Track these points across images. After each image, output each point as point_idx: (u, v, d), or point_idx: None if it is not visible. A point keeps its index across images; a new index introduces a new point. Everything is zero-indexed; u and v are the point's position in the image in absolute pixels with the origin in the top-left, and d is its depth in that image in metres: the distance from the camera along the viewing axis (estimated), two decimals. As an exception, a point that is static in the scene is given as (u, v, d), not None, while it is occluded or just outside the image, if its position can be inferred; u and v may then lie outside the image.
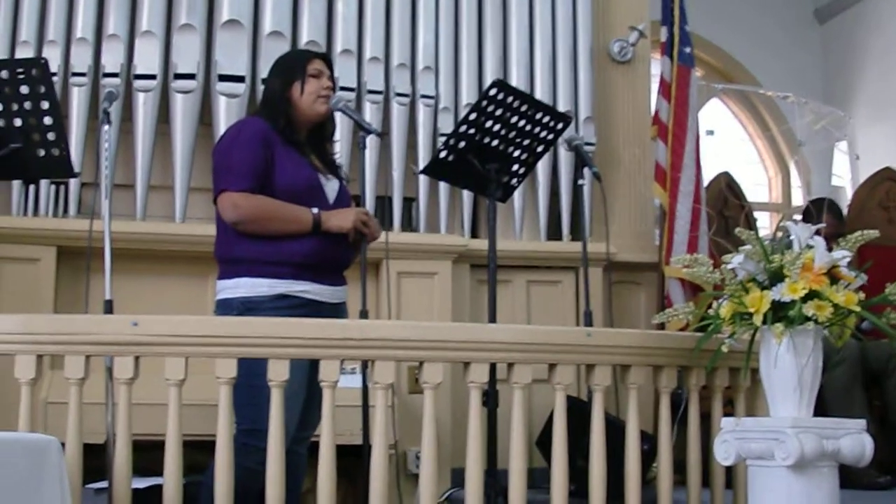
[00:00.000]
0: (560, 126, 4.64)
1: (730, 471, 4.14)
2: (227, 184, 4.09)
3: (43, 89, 3.86)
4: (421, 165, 5.76)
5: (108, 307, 3.91)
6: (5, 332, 3.44)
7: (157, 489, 3.54)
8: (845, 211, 7.10)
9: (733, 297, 3.62)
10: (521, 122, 4.50)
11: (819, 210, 6.16)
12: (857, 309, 3.50)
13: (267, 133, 4.17)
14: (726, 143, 9.90)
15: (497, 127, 4.44)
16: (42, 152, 3.96)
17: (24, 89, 3.85)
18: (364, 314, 4.20)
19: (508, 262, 5.90)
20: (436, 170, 4.69)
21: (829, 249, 3.56)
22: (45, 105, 3.89)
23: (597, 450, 3.83)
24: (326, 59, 4.46)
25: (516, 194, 5.71)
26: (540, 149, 4.66)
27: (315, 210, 4.12)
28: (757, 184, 9.95)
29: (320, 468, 3.51)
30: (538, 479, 4.48)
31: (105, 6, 5.57)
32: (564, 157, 6.22)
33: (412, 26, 6.14)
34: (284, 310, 3.99)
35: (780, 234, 3.71)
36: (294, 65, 4.36)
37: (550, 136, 4.64)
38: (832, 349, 4.57)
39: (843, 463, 3.59)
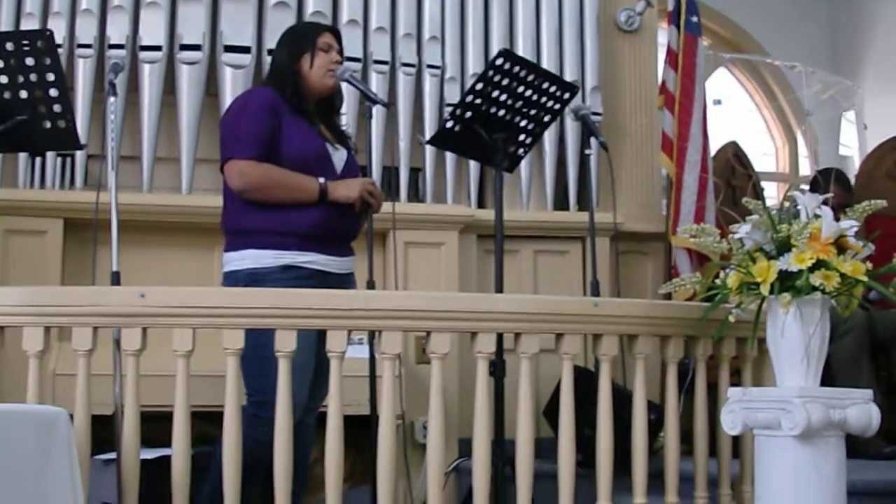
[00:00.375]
0: (567, 96, 4.63)
1: (736, 440, 4.15)
2: (233, 152, 4.09)
3: (48, 61, 3.85)
4: (427, 136, 5.76)
5: (116, 279, 3.92)
6: (13, 304, 3.46)
7: (166, 460, 3.56)
8: (853, 181, 7.07)
9: (740, 267, 3.62)
10: (528, 92, 4.49)
11: (827, 180, 6.14)
12: (865, 279, 3.50)
13: (275, 102, 4.17)
14: (733, 113, 9.86)
15: (504, 97, 4.43)
16: (48, 124, 3.96)
17: (30, 61, 3.84)
18: (371, 284, 4.20)
19: (515, 232, 5.88)
20: (442, 140, 4.68)
21: (837, 220, 3.56)
22: (51, 77, 3.88)
23: (604, 420, 3.84)
24: (336, 32, 4.46)
25: (523, 164, 5.69)
26: (547, 118, 4.65)
27: (321, 179, 4.12)
28: (764, 153, 9.92)
29: (328, 439, 3.53)
30: (545, 449, 4.48)
31: (110, -23, 5.56)
32: (571, 127, 6.21)
33: (418, -4, 6.12)
34: (291, 280, 4.00)
35: (787, 203, 3.70)
36: (304, 37, 4.35)
37: (557, 106, 4.63)
38: (839, 319, 4.57)
39: (849, 433, 3.60)
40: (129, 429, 3.44)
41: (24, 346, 3.41)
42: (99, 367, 3.54)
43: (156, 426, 3.81)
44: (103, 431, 3.67)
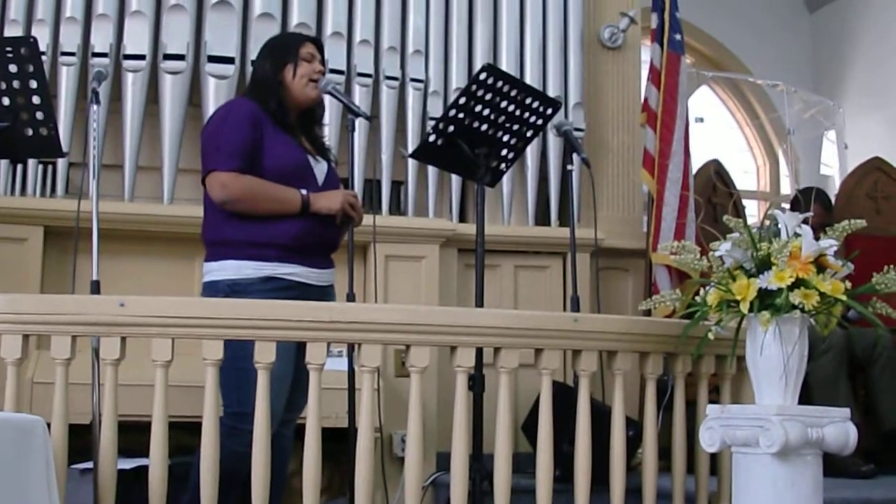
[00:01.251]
0: (549, 111, 4.64)
1: (714, 457, 4.16)
2: (215, 164, 4.08)
3: (31, 68, 3.85)
4: (410, 149, 5.76)
5: (95, 287, 3.90)
6: (-8, 311, 3.44)
7: (143, 470, 3.55)
8: (833, 201, 7.11)
9: (720, 285, 3.63)
10: (511, 107, 4.50)
11: (807, 199, 6.16)
12: (844, 298, 3.51)
13: (257, 114, 4.17)
14: (715, 131, 9.90)
15: (486, 111, 4.44)
16: (30, 131, 3.95)
17: (13, 68, 3.84)
18: (351, 297, 4.20)
19: (496, 246, 5.90)
20: (425, 154, 4.69)
21: (817, 239, 3.57)
22: (34, 84, 3.87)
23: (582, 435, 3.84)
24: (318, 43, 4.46)
25: (505, 179, 5.70)
26: (529, 134, 4.66)
27: (304, 191, 4.12)
28: (745, 172, 9.96)
29: (306, 451, 3.52)
30: (523, 464, 4.49)
31: (95, -15, 5.55)
32: (553, 143, 6.22)
33: (402, 10, 6.12)
34: (271, 292, 3.99)
35: (767, 222, 3.71)
36: (287, 47, 4.35)
37: (540, 122, 4.64)
38: (818, 338, 4.59)
39: (827, 451, 3.60)
40: (107, 438, 3.43)
41: (3, 354, 3.40)
42: (77, 376, 3.53)
43: (133, 436, 3.80)
44: (80, 440, 3.66)
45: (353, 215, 4.22)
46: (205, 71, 5.59)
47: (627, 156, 6.58)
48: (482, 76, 4.41)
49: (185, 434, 4.00)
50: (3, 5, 5.42)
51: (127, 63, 5.50)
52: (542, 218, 6.28)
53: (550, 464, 3.78)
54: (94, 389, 3.59)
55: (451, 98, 5.60)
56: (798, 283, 3.47)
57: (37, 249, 5.26)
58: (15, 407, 3.37)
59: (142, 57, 5.51)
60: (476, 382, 4.10)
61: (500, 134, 4.54)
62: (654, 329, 4.09)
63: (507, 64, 6.18)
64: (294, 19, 5.79)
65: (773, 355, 3.53)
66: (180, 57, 5.56)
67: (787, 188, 9.75)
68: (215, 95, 5.52)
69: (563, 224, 6.16)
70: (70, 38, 5.44)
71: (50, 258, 5.29)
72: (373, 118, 5.71)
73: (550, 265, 6.26)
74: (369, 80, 5.94)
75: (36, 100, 3.90)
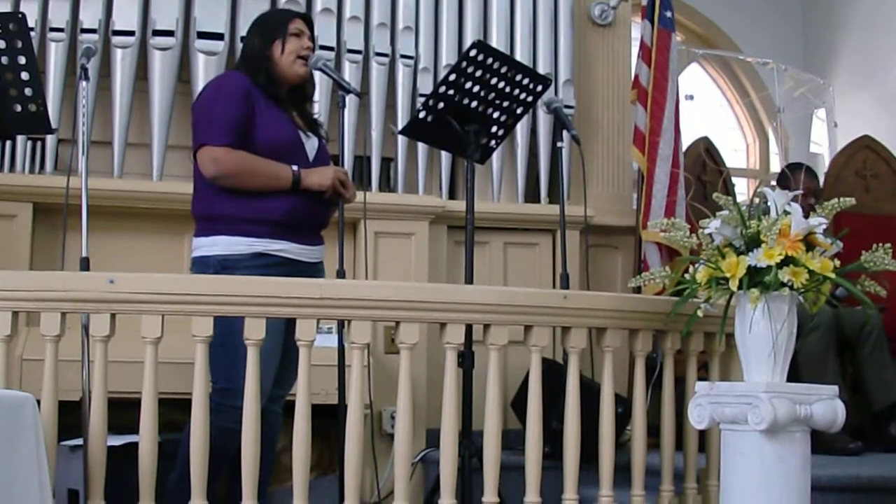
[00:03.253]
0: (539, 88, 4.64)
1: (703, 434, 4.17)
2: (207, 138, 4.07)
3: (20, 44, 3.84)
4: (400, 126, 5.75)
5: (85, 264, 3.90)
6: (-19, 288, 3.43)
7: (133, 447, 3.55)
8: (822, 179, 7.11)
9: (709, 262, 3.64)
10: (501, 84, 4.49)
11: (795, 173, 6.18)
12: (833, 276, 3.52)
13: (249, 88, 4.16)
14: (705, 109, 9.90)
15: (476, 88, 4.44)
16: (19, 108, 3.94)
17: (1, 44, 3.83)
18: (341, 274, 4.20)
19: (486, 223, 5.90)
20: (414, 130, 4.68)
21: (807, 206, 3.57)
22: (22, 60, 3.86)
23: (571, 412, 3.85)
24: (307, 19, 4.45)
25: (495, 156, 5.71)
26: (519, 111, 4.66)
27: (295, 167, 4.12)
28: (735, 150, 9.96)
29: (296, 427, 3.53)
30: (512, 441, 4.50)
31: (83, -39, 5.53)
32: (543, 120, 6.21)
33: (393, -14, 6.11)
34: (262, 268, 3.99)
35: (757, 199, 3.72)
36: (276, 23, 4.34)
37: (530, 99, 4.64)
38: (807, 315, 4.60)
39: (815, 428, 3.62)
40: (97, 415, 3.43)
41: (-8, 331, 3.40)
42: (67, 353, 3.53)
43: (123, 413, 3.80)
44: (70, 417, 3.67)
45: (343, 192, 4.22)
46: (194, 47, 5.57)
47: (617, 133, 6.58)
48: (472, 53, 4.40)
49: (174, 410, 4.01)
50: (-9, -19, 5.40)
51: (116, 39, 5.48)
52: (532, 195, 6.28)
53: (540, 440, 3.79)
54: (83, 366, 3.59)
55: (441, 75, 5.59)
56: (787, 261, 3.47)
57: (26, 226, 5.25)
58: (4, 384, 3.37)
59: (131, 33, 5.49)
60: (465, 359, 4.11)
61: (489, 111, 4.53)
62: (644, 306, 4.10)
63: (497, 41, 6.17)
64: (284, -5, 5.77)
65: (762, 333, 3.54)
66: (170, 33, 5.54)
67: (776, 166, 9.74)
68: (205, 72, 5.50)
69: (552, 201, 6.16)
70: (59, 14, 5.42)
71: (39, 235, 5.28)
72: (362, 95, 5.70)
73: (540, 242, 6.27)
74: (359, 57, 5.92)
75: (24, 76, 3.88)
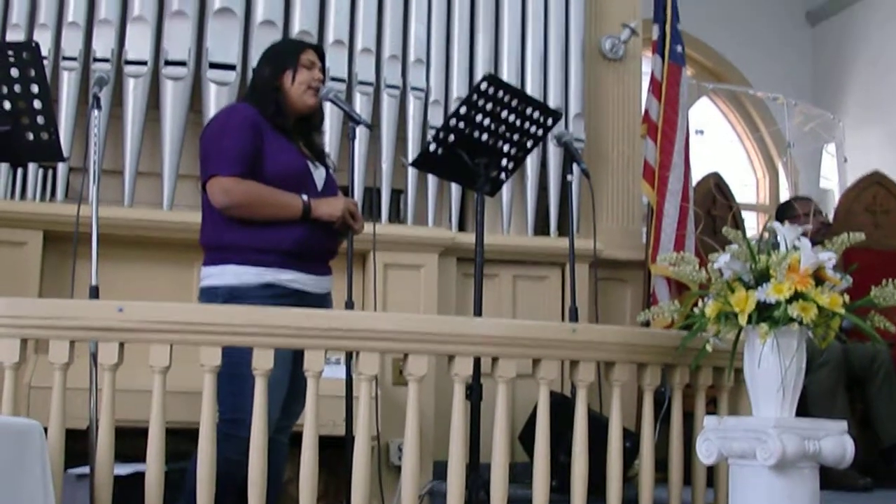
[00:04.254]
0: (550, 122, 4.65)
1: (711, 469, 4.15)
2: (217, 168, 4.07)
3: (33, 73, 3.85)
4: (410, 158, 5.76)
5: (94, 292, 3.90)
6: (-10, 315, 3.43)
7: (139, 476, 3.54)
8: (832, 214, 7.12)
9: (719, 297, 3.63)
10: (511, 117, 4.51)
11: (791, 208, 6.20)
12: (842, 311, 3.51)
13: (257, 119, 4.16)
14: (715, 143, 9.92)
15: (487, 121, 4.45)
16: (31, 136, 3.95)
17: (15, 72, 3.85)
18: (350, 305, 4.20)
19: (495, 256, 5.90)
20: (425, 162, 4.69)
21: (814, 243, 3.57)
22: (35, 89, 3.88)
23: (579, 446, 3.84)
24: (319, 50, 4.45)
25: (504, 189, 5.71)
26: (529, 144, 4.67)
27: (305, 197, 4.12)
28: (745, 184, 9.98)
29: (303, 458, 3.52)
30: (520, 474, 4.48)
31: (97, -9, 5.56)
32: (553, 153, 6.23)
33: (404, 18, 6.13)
34: (270, 298, 3.98)
35: (766, 234, 3.71)
36: (287, 53, 4.35)
37: (540, 132, 4.65)
38: (816, 351, 4.59)
39: (824, 464, 3.60)
40: (104, 443, 3.43)
41: (0, 358, 3.40)
42: (75, 381, 3.53)
43: (130, 441, 3.80)
44: (77, 445, 3.66)
45: (353, 224, 4.22)
46: (206, 77, 5.60)
47: (627, 167, 6.59)
48: (483, 86, 4.42)
49: (181, 440, 4.00)
50: (5, 10, 5.43)
51: (128, 68, 5.51)
52: (542, 228, 6.29)
53: (547, 474, 3.77)
54: (91, 394, 3.59)
55: (452, 107, 5.60)
56: (796, 296, 3.47)
57: (36, 253, 5.27)
58: (12, 411, 3.36)
59: (143, 63, 5.52)
60: (473, 392, 4.10)
61: (500, 144, 4.54)
62: (652, 340, 4.09)
63: (508, 74, 6.19)
64: (296, 27, 5.80)
65: (771, 368, 3.53)
66: (182, 63, 5.57)
67: (786, 201, 9.75)
68: (216, 102, 5.52)
69: (562, 234, 6.16)
70: (72, 43, 5.45)
71: (49, 262, 5.29)
72: (373, 127, 5.71)
73: (549, 275, 6.27)
74: (370, 89, 5.95)
75: (37, 104, 3.90)
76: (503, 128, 4.50)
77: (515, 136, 4.57)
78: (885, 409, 5.64)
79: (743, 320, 3.53)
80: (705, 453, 3.72)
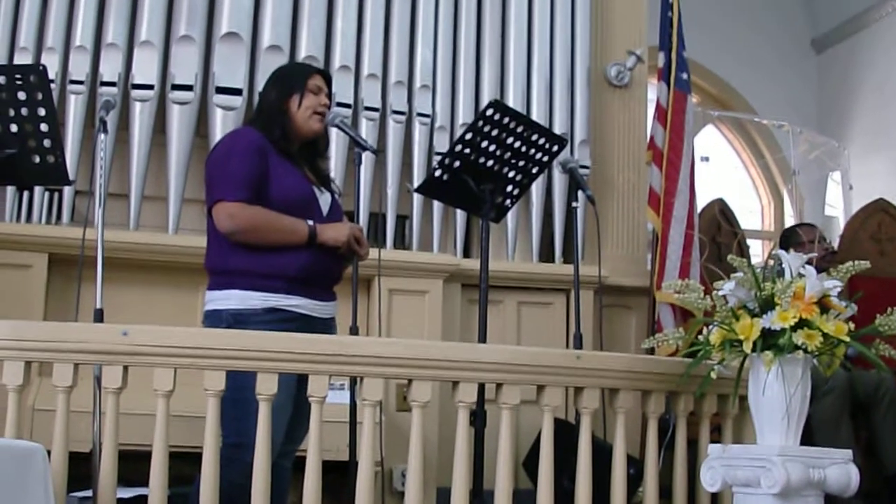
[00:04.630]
0: (555, 148, 4.66)
1: (716, 497, 4.14)
2: (222, 194, 4.07)
3: (40, 96, 3.86)
4: (416, 183, 5.77)
5: (99, 316, 3.91)
6: (-5, 337, 3.44)
7: (142, 500, 3.53)
8: (837, 242, 7.11)
9: (723, 324, 3.63)
10: (517, 144, 4.51)
11: (793, 233, 6.20)
12: (847, 339, 3.51)
13: (262, 144, 4.16)
14: (720, 170, 9.93)
15: (492, 147, 4.46)
16: (37, 159, 3.96)
17: (22, 95, 3.85)
18: (354, 330, 4.19)
19: (500, 282, 5.91)
20: (430, 188, 4.70)
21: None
22: (42, 112, 3.88)
23: (583, 473, 3.83)
24: (327, 76, 4.45)
25: (510, 215, 5.71)
26: (535, 170, 4.67)
27: (310, 222, 4.12)
28: (750, 211, 9.98)
29: (306, 483, 3.51)
30: (524, 501, 4.46)
31: (105, 15, 5.57)
32: (559, 180, 6.23)
33: (410, 44, 6.15)
34: (275, 323, 3.98)
35: (771, 262, 3.71)
36: (294, 77, 4.35)
37: (545, 158, 4.65)
38: (820, 378, 4.58)
39: (828, 492, 3.59)
40: (107, 467, 3.42)
41: (4, 381, 3.40)
42: (78, 404, 3.53)
43: (133, 465, 3.79)
44: (80, 469, 3.65)
45: (358, 249, 4.21)
46: (212, 102, 5.61)
47: (632, 193, 6.60)
48: (489, 112, 4.42)
49: (184, 464, 3.99)
50: (13, 33, 5.44)
51: (135, 92, 5.52)
52: (547, 254, 6.29)
53: (551, 501, 3.76)
54: (94, 417, 3.59)
55: (458, 133, 5.62)
56: (801, 324, 3.47)
57: (41, 276, 5.27)
58: (16, 434, 3.36)
59: (150, 87, 5.54)
60: (478, 418, 4.09)
61: (505, 170, 4.55)
62: (657, 367, 4.08)
63: (513, 100, 6.20)
64: (302, 52, 5.82)
65: (776, 395, 3.52)
66: (188, 87, 5.58)
67: (792, 229, 9.75)
68: (222, 126, 5.53)
69: (567, 261, 6.16)
70: (79, 67, 5.47)
71: (54, 285, 5.29)
72: (379, 152, 5.71)
73: (554, 302, 6.27)
74: (376, 114, 5.96)
75: (44, 127, 3.91)
76: (509, 154, 4.51)
77: (521, 163, 4.58)
78: (889, 437, 5.62)
79: (748, 348, 3.53)
80: (709, 481, 3.71)
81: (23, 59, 5.37)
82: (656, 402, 4.04)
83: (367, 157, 4.82)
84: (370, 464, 3.59)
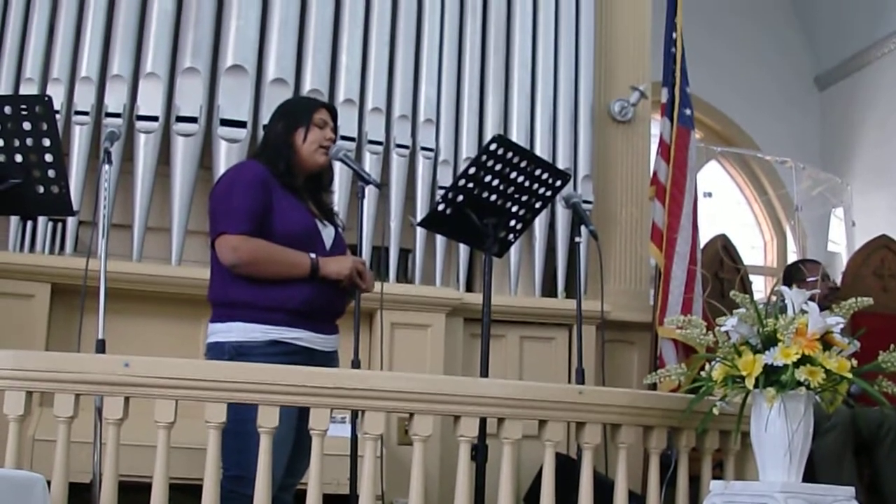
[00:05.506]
0: (559, 183, 4.66)
1: (717, 534, 4.12)
2: (225, 226, 4.08)
3: (45, 126, 3.87)
4: (419, 217, 5.77)
5: (101, 347, 3.91)
6: (-4, 367, 3.43)
7: (142, 531, 3.52)
8: (839, 278, 7.11)
9: (726, 360, 3.62)
10: (520, 178, 4.52)
11: (797, 269, 6.20)
12: (850, 375, 3.50)
13: (266, 177, 4.17)
14: (723, 206, 9.94)
15: (496, 182, 4.46)
16: (42, 189, 3.97)
17: (27, 126, 3.87)
18: (356, 364, 4.19)
19: (502, 317, 5.91)
20: (433, 222, 4.70)
21: (822, 308, 3.57)
22: (47, 142, 3.90)
23: (584, 508, 3.82)
24: (332, 109, 4.46)
25: (512, 250, 5.71)
26: (538, 205, 4.68)
27: (313, 255, 4.12)
28: (753, 247, 9.98)
29: (306, 517, 3.50)
30: (525, 536, 4.47)
31: (110, 46, 5.60)
32: (562, 215, 6.24)
33: (415, 79, 6.17)
34: (277, 356, 3.97)
35: (774, 298, 3.71)
36: (300, 111, 4.36)
37: (549, 193, 4.66)
38: (823, 415, 4.57)
39: (830, 530, 3.58)
40: (107, 498, 3.41)
41: (5, 410, 3.39)
42: (79, 435, 3.52)
43: (133, 497, 3.77)
44: (80, 500, 3.65)
45: (360, 283, 4.21)
46: (217, 134, 5.63)
47: (635, 229, 6.60)
48: (492, 146, 4.43)
49: (185, 496, 3.98)
50: (19, 63, 5.47)
51: (140, 124, 5.54)
52: (549, 289, 6.29)
53: (552, 536, 3.75)
54: (95, 448, 3.58)
55: (461, 167, 5.63)
56: (804, 360, 3.46)
57: (43, 306, 5.28)
58: (16, 464, 3.36)
59: (155, 118, 5.56)
60: (479, 452, 4.08)
61: (508, 204, 4.55)
62: (659, 403, 4.08)
63: (517, 135, 6.22)
64: (307, 85, 5.84)
65: (778, 432, 3.51)
66: (193, 119, 5.60)
67: (794, 265, 9.75)
68: (226, 159, 5.55)
69: (569, 296, 6.17)
70: (84, 98, 5.49)
71: (56, 315, 5.30)
72: (382, 186, 5.73)
73: (556, 336, 6.27)
74: (380, 148, 5.97)
75: (48, 158, 3.92)
76: (512, 188, 4.51)
77: (524, 197, 4.58)
78: (893, 475, 5.60)
79: (750, 384, 3.52)
80: (711, 517, 3.70)
81: (28, 89, 5.39)
82: (658, 438, 4.04)
83: (370, 191, 4.83)
84: (371, 497, 3.58)
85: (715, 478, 3.90)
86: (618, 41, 6.79)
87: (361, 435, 3.67)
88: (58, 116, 4.88)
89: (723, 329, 3.68)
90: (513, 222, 4.65)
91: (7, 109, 3.84)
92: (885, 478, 5.62)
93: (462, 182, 4.44)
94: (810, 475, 3.81)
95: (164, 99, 5.62)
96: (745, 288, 6.66)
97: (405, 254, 6.07)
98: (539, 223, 6.14)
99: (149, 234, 5.55)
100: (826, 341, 3.55)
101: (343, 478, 4.23)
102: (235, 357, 3.96)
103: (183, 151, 5.58)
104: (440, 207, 4.51)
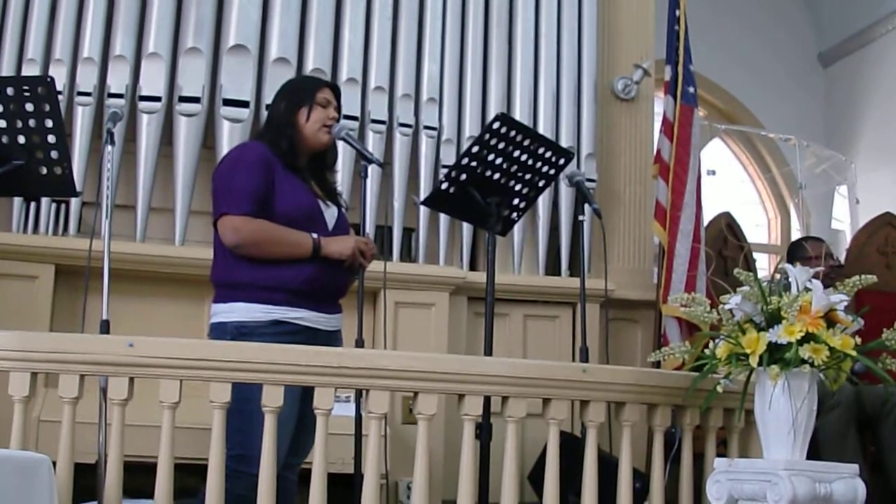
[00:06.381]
0: (562, 161, 4.65)
1: (721, 511, 4.13)
2: (228, 207, 4.08)
3: (48, 107, 3.87)
4: (422, 196, 5.77)
5: (105, 327, 3.91)
6: (0, 348, 3.43)
7: (147, 511, 3.53)
8: (844, 255, 7.10)
9: (730, 338, 3.62)
10: (524, 157, 4.51)
11: (800, 247, 6.19)
12: (853, 353, 3.50)
13: (268, 158, 4.16)
14: (727, 184, 9.92)
15: (499, 160, 4.45)
16: (44, 170, 3.97)
17: (29, 107, 3.86)
18: (360, 343, 4.19)
19: (506, 295, 5.90)
20: (437, 201, 4.69)
21: (826, 285, 3.56)
22: (49, 123, 3.89)
23: (589, 486, 3.82)
24: (336, 89, 4.45)
25: (516, 228, 5.71)
26: (541, 183, 4.67)
27: (315, 235, 4.12)
28: (757, 225, 9.97)
29: (311, 496, 3.51)
30: (529, 514, 4.47)
31: (112, 27, 5.59)
32: (565, 193, 6.24)
33: (417, 57, 6.16)
34: (279, 336, 3.98)
35: (778, 275, 3.71)
36: (304, 90, 4.35)
37: (552, 172, 4.65)
38: (827, 393, 4.57)
39: (835, 507, 3.58)
40: (112, 479, 3.42)
41: (10, 391, 3.39)
42: (84, 415, 3.52)
43: (138, 477, 3.79)
44: (86, 480, 3.65)
45: (363, 262, 4.21)
46: (219, 114, 5.62)
47: (639, 207, 6.60)
48: (495, 125, 4.42)
49: (189, 476, 3.99)
50: (21, 45, 5.46)
51: (142, 104, 5.53)
52: (553, 268, 6.29)
53: (556, 514, 3.76)
54: (100, 429, 3.58)
55: (464, 146, 5.62)
56: (808, 338, 3.46)
57: (47, 287, 5.28)
58: (21, 445, 3.36)
59: (157, 99, 5.55)
60: (483, 431, 4.09)
61: (512, 183, 4.55)
62: (663, 381, 4.08)
63: (520, 114, 6.21)
64: (310, 64, 5.83)
65: (782, 410, 3.51)
66: (195, 100, 5.59)
67: (798, 242, 9.73)
68: (229, 139, 5.54)
69: (573, 274, 6.17)
70: (87, 79, 5.48)
71: (60, 297, 5.30)
72: (386, 165, 5.72)
73: (560, 315, 6.27)
74: (383, 127, 5.97)
75: (51, 139, 3.91)
76: (515, 167, 4.51)
77: (527, 176, 4.57)
78: (896, 452, 5.61)
79: (754, 362, 3.52)
80: (715, 495, 3.70)
81: (31, 70, 5.38)
82: (662, 416, 4.04)
83: (373, 170, 4.82)
84: (375, 476, 3.58)
85: (719, 455, 3.90)
86: (621, 19, 6.78)
87: (366, 414, 3.67)
88: (60, 97, 4.87)
89: (727, 307, 3.67)
90: (516, 201, 4.64)
91: (9, 90, 3.83)
92: (888, 455, 5.62)
93: (465, 160, 4.44)
94: (814, 453, 3.80)
95: (167, 79, 5.61)
96: (749, 266, 6.64)
97: (409, 233, 6.07)
98: (542, 201, 6.14)
99: (152, 215, 5.55)
100: (830, 319, 3.54)
101: (347, 457, 4.24)
102: (238, 337, 3.97)
103: (186, 132, 5.58)
104: (443, 186, 4.50)
